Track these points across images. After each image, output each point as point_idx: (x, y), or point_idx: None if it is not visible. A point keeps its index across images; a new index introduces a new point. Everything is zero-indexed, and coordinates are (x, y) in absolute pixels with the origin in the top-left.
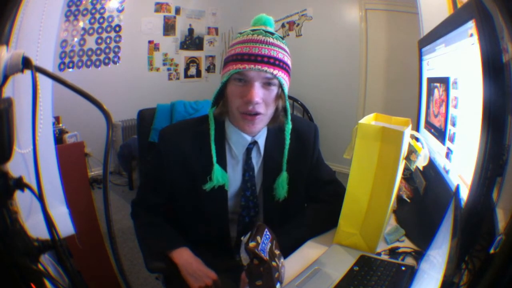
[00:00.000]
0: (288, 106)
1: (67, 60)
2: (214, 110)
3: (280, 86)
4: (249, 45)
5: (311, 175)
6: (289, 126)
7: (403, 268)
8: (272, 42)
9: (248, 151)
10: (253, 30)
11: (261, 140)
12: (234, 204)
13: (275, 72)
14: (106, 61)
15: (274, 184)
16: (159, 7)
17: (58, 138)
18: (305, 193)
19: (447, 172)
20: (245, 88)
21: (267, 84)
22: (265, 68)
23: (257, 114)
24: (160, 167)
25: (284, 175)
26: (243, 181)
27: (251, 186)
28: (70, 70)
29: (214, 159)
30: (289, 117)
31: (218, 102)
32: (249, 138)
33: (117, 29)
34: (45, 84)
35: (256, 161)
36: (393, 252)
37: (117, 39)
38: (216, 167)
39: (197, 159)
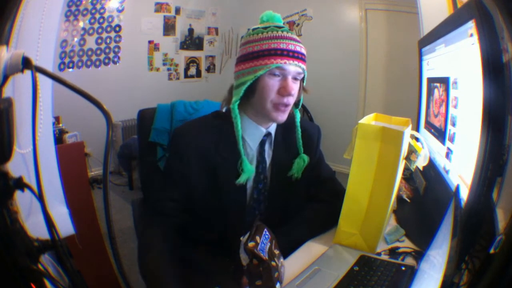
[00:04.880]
0: (301, 97)
1: (67, 60)
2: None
3: (302, 79)
4: (285, 42)
5: (311, 173)
6: (298, 115)
7: (403, 268)
8: (298, 39)
9: (262, 143)
10: (277, 27)
11: (273, 131)
12: (248, 197)
13: (304, 67)
14: (106, 61)
15: (284, 169)
16: (159, 7)
17: (58, 138)
18: (305, 192)
19: (447, 172)
20: (282, 82)
21: (295, 78)
22: (300, 64)
23: (287, 105)
24: (180, 165)
25: (303, 156)
26: (256, 174)
27: (263, 178)
28: (70, 70)
29: (242, 151)
30: (300, 106)
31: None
32: (264, 130)
33: (117, 29)
34: (45, 84)
35: (268, 154)
36: (393, 252)
37: (117, 39)
38: (244, 160)
39: (216, 153)
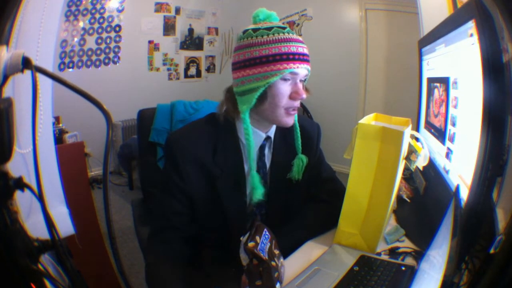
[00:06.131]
0: None
1: (67, 60)
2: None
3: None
4: (294, 44)
5: (312, 172)
6: (296, 115)
7: (403, 268)
8: (302, 40)
9: (262, 148)
10: (280, 28)
11: (273, 134)
12: (248, 202)
13: (310, 68)
14: (106, 61)
15: (286, 169)
16: (159, 7)
17: (58, 138)
18: (306, 192)
19: (447, 172)
20: (293, 86)
21: (301, 80)
22: (308, 66)
23: (296, 107)
24: (178, 179)
25: (301, 157)
26: None
27: (264, 183)
28: (70, 70)
29: (254, 166)
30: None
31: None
32: (263, 135)
33: (117, 29)
34: (45, 84)
35: (268, 158)
36: (393, 252)
37: (117, 39)
38: (255, 175)
39: (213, 163)
